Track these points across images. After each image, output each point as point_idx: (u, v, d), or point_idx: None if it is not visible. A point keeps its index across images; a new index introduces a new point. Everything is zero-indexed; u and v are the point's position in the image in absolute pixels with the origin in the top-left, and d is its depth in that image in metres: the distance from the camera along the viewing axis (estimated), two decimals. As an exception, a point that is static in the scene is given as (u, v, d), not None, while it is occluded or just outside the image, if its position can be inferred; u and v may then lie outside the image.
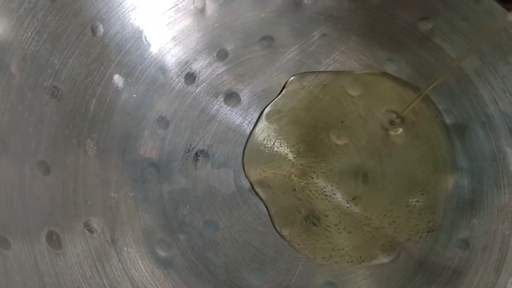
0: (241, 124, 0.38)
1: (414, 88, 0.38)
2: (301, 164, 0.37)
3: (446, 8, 0.36)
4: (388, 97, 0.38)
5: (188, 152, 0.37)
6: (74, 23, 0.32)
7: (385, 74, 0.39)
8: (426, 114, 0.38)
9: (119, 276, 0.31)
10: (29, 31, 0.30)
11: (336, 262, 0.35)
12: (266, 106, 0.38)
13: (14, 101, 0.29)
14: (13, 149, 0.28)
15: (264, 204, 0.36)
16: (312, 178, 0.37)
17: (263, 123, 0.38)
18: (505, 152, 0.35)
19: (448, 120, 0.37)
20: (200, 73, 0.39)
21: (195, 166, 0.37)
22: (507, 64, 0.35)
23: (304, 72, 0.39)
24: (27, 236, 0.27)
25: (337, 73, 0.39)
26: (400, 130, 0.38)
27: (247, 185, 0.37)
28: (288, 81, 0.39)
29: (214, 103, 0.38)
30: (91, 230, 0.31)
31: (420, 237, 0.35)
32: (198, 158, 0.37)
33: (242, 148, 0.37)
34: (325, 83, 0.39)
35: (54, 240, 0.29)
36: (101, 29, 0.34)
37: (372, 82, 0.39)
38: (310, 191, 0.36)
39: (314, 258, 0.35)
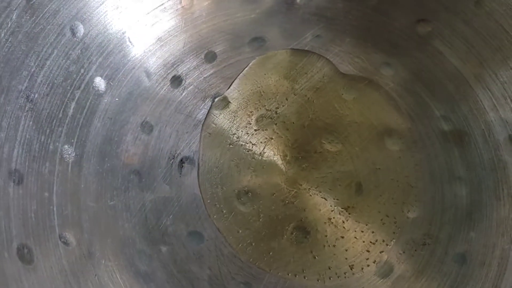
0: (229, 128, 0.36)
1: (410, 92, 0.37)
2: (292, 172, 0.36)
3: (445, 11, 0.35)
4: (384, 102, 0.37)
5: (172, 158, 0.36)
6: (52, 23, 0.31)
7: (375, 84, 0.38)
8: (423, 121, 0.36)
9: (96, 291, 0.30)
10: (3, 31, 0.28)
11: (327, 278, 0.34)
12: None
13: (-15, 105, 0.28)
14: (-17, 157, 0.27)
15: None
16: (303, 186, 0.36)
17: (251, 128, 0.36)
18: (505, 162, 0.34)
19: (446, 127, 0.36)
20: (187, 76, 0.37)
21: (180, 174, 0.36)
22: (508, 69, 0.33)
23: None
24: (-5, 250, 0.26)
25: (330, 75, 0.37)
26: (396, 137, 0.36)
27: (235, 193, 0.35)
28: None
29: (201, 107, 0.37)
30: (66, 243, 0.30)
31: (416, 250, 0.34)
32: (183, 165, 0.36)
33: (230, 155, 0.36)
34: (318, 86, 0.37)
35: (25, 254, 0.27)
36: (81, 29, 0.32)
37: (367, 87, 0.38)
38: (301, 200, 0.35)
39: (305, 277, 0.34)
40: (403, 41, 0.37)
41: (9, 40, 0.29)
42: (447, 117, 0.36)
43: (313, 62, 0.38)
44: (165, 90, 0.37)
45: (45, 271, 0.28)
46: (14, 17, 0.29)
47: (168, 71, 0.37)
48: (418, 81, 0.37)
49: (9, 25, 0.29)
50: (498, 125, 0.34)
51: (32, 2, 0.29)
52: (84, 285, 0.30)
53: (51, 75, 0.31)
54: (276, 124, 0.37)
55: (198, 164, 0.36)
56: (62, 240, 0.30)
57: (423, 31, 0.36)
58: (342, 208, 0.35)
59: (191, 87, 0.37)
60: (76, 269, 0.30)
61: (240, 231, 0.35)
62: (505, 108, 0.34)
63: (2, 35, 0.28)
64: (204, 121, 0.37)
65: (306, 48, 0.38)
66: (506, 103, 0.34)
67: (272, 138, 0.36)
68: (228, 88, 0.37)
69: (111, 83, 0.34)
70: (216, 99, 0.37)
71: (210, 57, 0.38)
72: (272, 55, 0.38)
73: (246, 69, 0.38)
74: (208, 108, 0.37)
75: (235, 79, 0.38)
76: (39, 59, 0.30)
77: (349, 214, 0.35)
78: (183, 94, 0.37)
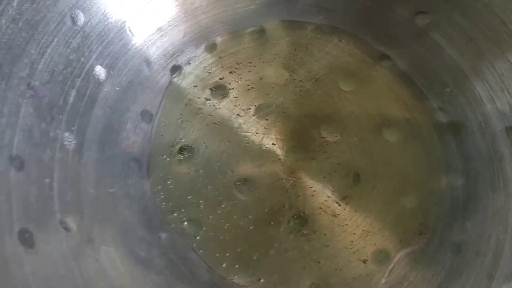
0: (228, 118, 0.37)
1: (408, 84, 0.37)
2: (290, 161, 0.36)
3: (444, 3, 0.35)
4: (382, 94, 0.38)
5: (172, 147, 0.36)
6: (53, 11, 0.31)
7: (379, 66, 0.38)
8: (421, 112, 0.37)
9: (96, 276, 0.30)
10: (3, 18, 0.28)
11: (325, 265, 0.34)
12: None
13: (-14, 92, 0.27)
14: (-16, 142, 0.27)
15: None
16: (301, 176, 0.36)
17: (251, 118, 0.37)
18: (502, 153, 0.34)
19: (443, 119, 0.37)
20: (187, 66, 0.38)
21: (179, 162, 0.36)
22: (506, 62, 0.33)
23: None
24: (-4, 234, 0.26)
25: (329, 66, 0.38)
26: (394, 128, 0.37)
27: (234, 182, 0.35)
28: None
29: (200, 97, 0.37)
30: (67, 228, 0.30)
31: (412, 239, 0.34)
32: (183, 153, 0.36)
33: (229, 143, 0.36)
34: (317, 77, 0.38)
35: (26, 238, 0.27)
36: (81, 17, 0.32)
37: (366, 78, 0.38)
38: (299, 189, 0.35)
39: (303, 264, 0.34)
40: (402, 33, 0.37)
41: (10, 27, 0.29)
42: (445, 109, 0.36)
43: (313, 53, 0.38)
44: (165, 79, 0.37)
45: (46, 255, 0.28)
46: (15, 4, 0.29)
47: (168, 61, 0.37)
48: (417, 72, 0.38)
49: (9, 12, 0.28)
50: (495, 117, 0.34)
51: (33, -10, 0.29)
52: (84, 270, 0.30)
53: (52, 63, 0.31)
54: (275, 113, 0.37)
55: (197, 151, 0.36)
56: (62, 225, 0.30)
57: (422, 23, 0.36)
58: (339, 198, 0.35)
59: (191, 76, 0.37)
60: (76, 254, 0.30)
61: (239, 219, 0.35)
62: (502, 100, 0.34)
63: (3, 21, 0.28)
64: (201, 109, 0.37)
65: (306, 39, 0.38)
66: (503, 95, 0.34)
67: (271, 128, 0.37)
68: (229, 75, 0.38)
69: (111, 72, 0.34)
70: (215, 88, 0.38)
71: (210, 47, 0.38)
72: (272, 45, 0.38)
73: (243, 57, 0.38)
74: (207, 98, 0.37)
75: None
76: (40, 46, 0.30)
77: (347, 203, 0.35)
78: (183, 83, 0.37)
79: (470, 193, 0.35)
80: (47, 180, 0.30)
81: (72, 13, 0.32)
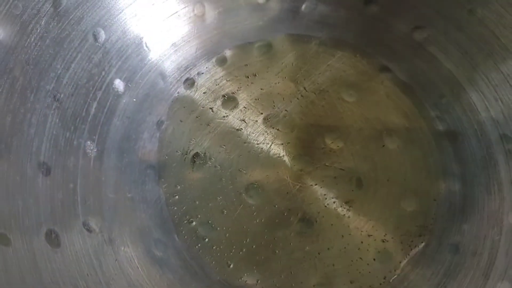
0: (238, 127, 0.39)
1: (408, 94, 0.39)
2: (296, 168, 0.38)
3: (440, 18, 0.37)
4: (383, 103, 0.39)
5: (185, 154, 0.38)
6: (77, 29, 0.33)
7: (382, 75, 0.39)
8: (419, 121, 0.38)
9: (116, 274, 0.32)
10: (33, 36, 0.30)
11: (329, 265, 0.36)
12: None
13: (17, 103, 0.29)
14: (15, 150, 0.29)
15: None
16: (307, 181, 0.37)
17: (259, 127, 0.39)
18: (496, 159, 0.35)
19: (441, 127, 0.38)
20: (199, 78, 0.40)
21: (192, 168, 0.38)
22: (499, 73, 0.35)
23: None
24: (26, 234, 0.28)
25: (333, 78, 0.40)
26: (394, 136, 0.38)
27: (243, 187, 0.37)
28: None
29: (212, 107, 0.39)
30: (89, 229, 0.32)
31: (412, 241, 0.36)
32: (195, 160, 0.38)
33: (239, 151, 0.38)
34: (321, 88, 0.39)
35: (53, 238, 0.29)
36: (102, 35, 0.34)
37: (368, 89, 0.39)
38: (304, 194, 0.37)
39: (309, 267, 0.36)
40: (401, 46, 0.39)
41: (38, 44, 0.31)
42: (442, 118, 0.38)
43: (317, 66, 0.40)
44: (179, 91, 0.39)
45: (70, 254, 0.30)
46: (42, 23, 0.31)
47: (182, 74, 0.39)
48: (415, 84, 0.39)
49: (38, 30, 0.31)
50: (490, 125, 0.35)
51: (59, 10, 0.31)
52: (106, 268, 0.31)
53: (76, 77, 0.33)
54: (282, 123, 0.39)
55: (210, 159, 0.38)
56: (85, 227, 0.32)
57: (419, 38, 0.38)
58: (343, 202, 0.37)
59: (202, 88, 0.39)
60: (98, 253, 0.32)
61: (248, 222, 0.37)
62: (496, 109, 0.35)
63: (32, 39, 0.30)
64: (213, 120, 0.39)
65: (311, 52, 0.40)
66: (497, 105, 0.35)
67: (278, 136, 0.38)
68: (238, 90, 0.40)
69: (129, 85, 0.37)
70: (225, 99, 0.39)
71: (221, 61, 0.40)
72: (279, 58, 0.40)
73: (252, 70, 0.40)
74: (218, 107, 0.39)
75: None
76: (65, 62, 0.32)
77: (350, 207, 0.37)
78: (195, 95, 0.39)
79: (467, 196, 0.36)
80: (71, 185, 0.32)
81: (94, 31, 0.34)
